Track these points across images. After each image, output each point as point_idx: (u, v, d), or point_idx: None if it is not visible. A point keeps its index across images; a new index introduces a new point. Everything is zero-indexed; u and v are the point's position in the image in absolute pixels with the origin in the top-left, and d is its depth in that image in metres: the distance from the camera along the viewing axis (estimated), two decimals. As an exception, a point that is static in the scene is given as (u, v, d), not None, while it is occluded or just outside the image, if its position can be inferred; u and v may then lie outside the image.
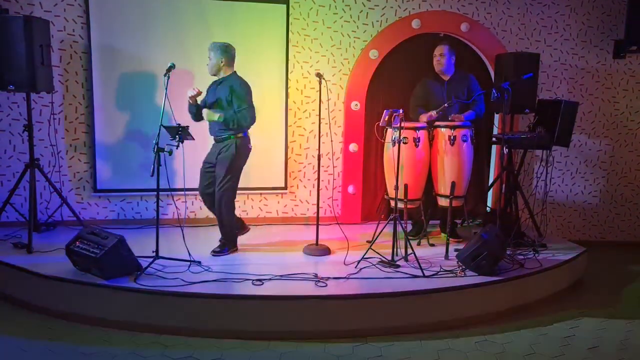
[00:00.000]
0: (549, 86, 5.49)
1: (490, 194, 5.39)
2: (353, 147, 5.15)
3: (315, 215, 4.33)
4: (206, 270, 3.68)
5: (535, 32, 5.39)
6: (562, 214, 5.70)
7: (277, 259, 4.06)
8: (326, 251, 4.22)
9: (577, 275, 4.45)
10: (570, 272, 4.30)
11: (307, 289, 3.45)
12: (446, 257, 4.14)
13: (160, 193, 3.77)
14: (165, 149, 3.61)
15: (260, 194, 5.13)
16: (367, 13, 5.08)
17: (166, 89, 3.72)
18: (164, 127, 3.72)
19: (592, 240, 5.68)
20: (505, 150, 4.60)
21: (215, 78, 4.07)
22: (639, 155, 5.65)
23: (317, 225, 4.28)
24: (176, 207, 3.92)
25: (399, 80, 5.23)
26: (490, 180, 5.43)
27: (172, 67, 3.79)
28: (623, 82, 5.56)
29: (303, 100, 5.10)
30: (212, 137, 4.11)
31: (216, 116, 3.92)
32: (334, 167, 5.19)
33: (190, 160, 4.72)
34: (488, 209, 5.33)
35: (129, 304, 3.34)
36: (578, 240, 5.21)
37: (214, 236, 4.36)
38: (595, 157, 5.65)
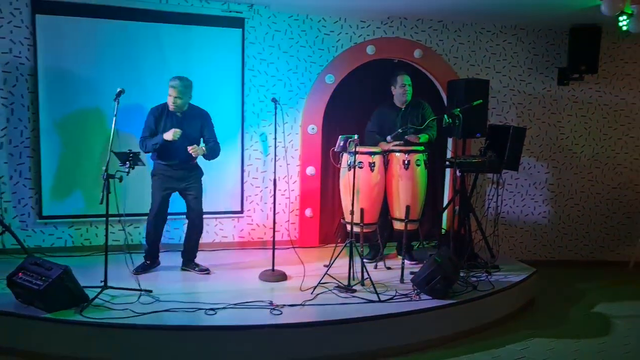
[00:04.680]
0: (499, 111, 5.68)
1: (444, 215, 5.49)
2: (310, 170, 5.16)
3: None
4: (157, 300, 3.57)
5: (485, 59, 5.59)
6: (513, 234, 5.85)
7: (233, 285, 3.98)
8: (282, 277, 4.17)
9: (529, 295, 4.57)
10: (521, 293, 4.40)
11: (262, 317, 3.40)
12: (401, 280, 4.17)
13: (110, 219, 3.65)
14: (116, 176, 3.51)
15: (216, 218, 5.04)
16: (323, 39, 5.15)
17: (115, 115, 3.62)
18: (114, 152, 3.62)
19: (542, 259, 5.84)
20: (458, 174, 4.71)
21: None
22: (583, 177, 5.90)
23: (273, 250, 4.23)
24: (126, 233, 3.81)
25: (355, 104, 5.31)
26: (445, 203, 5.54)
27: (121, 92, 3.72)
28: (567, 108, 5.81)
29: (260, 123, 5.08)
30: (174, 162, 4.13)
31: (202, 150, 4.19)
32: (290, 190, 5.18)
33: (139, 185, 4.57)
34: (443, 230, 5.42)
35: (73, 338, 3.18)
36: (529, 260, 5.35)
37: (166, 263, 4.26)
38: (544, 180, 5.86)
